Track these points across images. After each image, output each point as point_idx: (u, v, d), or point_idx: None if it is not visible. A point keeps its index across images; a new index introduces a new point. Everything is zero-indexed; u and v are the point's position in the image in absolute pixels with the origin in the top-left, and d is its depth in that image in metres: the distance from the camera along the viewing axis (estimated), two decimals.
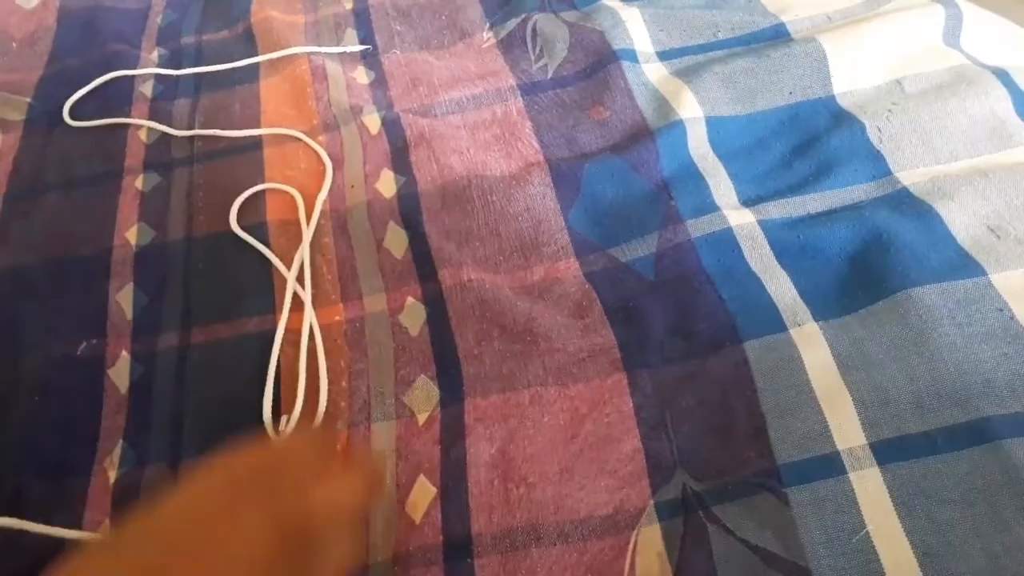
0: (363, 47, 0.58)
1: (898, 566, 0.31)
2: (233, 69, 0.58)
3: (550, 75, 0.54)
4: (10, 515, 0.38)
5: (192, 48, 0.61)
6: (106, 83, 0.57)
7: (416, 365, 0.40)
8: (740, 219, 0.43)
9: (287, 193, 0.49)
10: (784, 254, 0.41)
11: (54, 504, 0.38)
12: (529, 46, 0.56)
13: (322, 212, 0.48)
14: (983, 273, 0.38)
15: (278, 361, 0.41)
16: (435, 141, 0.50)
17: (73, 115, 0.56)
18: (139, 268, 0.47)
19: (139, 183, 0.52)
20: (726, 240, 0.42)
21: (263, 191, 0.49)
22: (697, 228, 0.43)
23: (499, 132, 0.51)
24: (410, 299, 0.43)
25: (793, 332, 0.38)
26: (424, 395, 0.39)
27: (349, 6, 0.63)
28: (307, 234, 0.46)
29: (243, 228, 0.47)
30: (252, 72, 0.58)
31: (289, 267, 0.45)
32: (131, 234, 0.49)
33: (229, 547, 0.26)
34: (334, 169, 0.50)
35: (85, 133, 0.55)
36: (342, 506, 0.29)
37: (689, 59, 0.53)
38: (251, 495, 0.27)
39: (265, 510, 0.27)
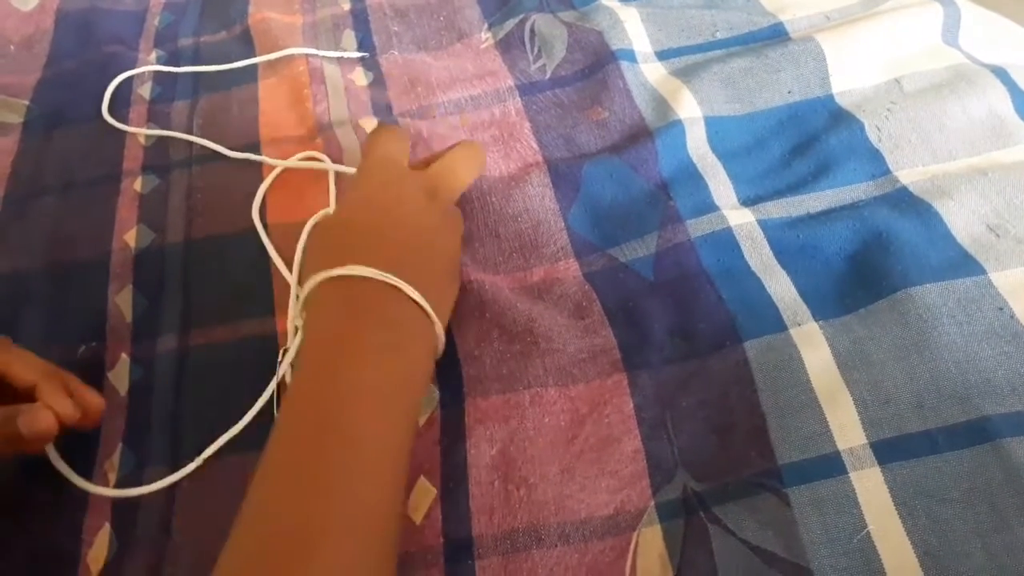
0: (361, 54, 0.58)
1: (899, 566, 0.31)
2: (231, 71, 0.58)
3: (548, 75, 0.54)
4: (9, 517, 0.38)
5: (190, 49, 0.61)
6: (103, 84, 0.57)
7: None
8: (739, 219, 0.43)
9: (287, 196, 0.49)
10: (784, 253, 0.41)
11: (54, 508, 0.38)
12: (527, 47, 0.56)
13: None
14: (983, 272, 0.38)
15: (279, 363, 0.41)
16: (433, 142, 0.50)
17: (71, 118, 0.56)
18: (138, 271, 0.47)
19: (138, 185, 0.52)
20: (726, 240, 0.42)
21: (263, 193, 0.49)
22: (696, 228, 0.43)
23: (498, 133, 0.51)
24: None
25: (793, 332, 0.38)
26: (424, 396, 0.39)
27: (347, 7, 0.63)
28: (304, 237, 0.46)
29: (242, 231, 0.47)
30: (250, 73, 0.58)
31: (290, 269, 0.45)
32: (130, 237, 0.49)
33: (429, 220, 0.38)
34: (333, 172, 0.50)
35: (83, 135, 0.55)
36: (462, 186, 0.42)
37: (687, 59, 0.53)
38: (408, 186, 0.39)
39: (428, 200, 0.39)
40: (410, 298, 0.35)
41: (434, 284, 0.37)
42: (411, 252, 0.37)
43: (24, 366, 0.37)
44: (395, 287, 0.35)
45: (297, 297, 0.43)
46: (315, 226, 0.43)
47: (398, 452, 0.32)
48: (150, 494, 0.38)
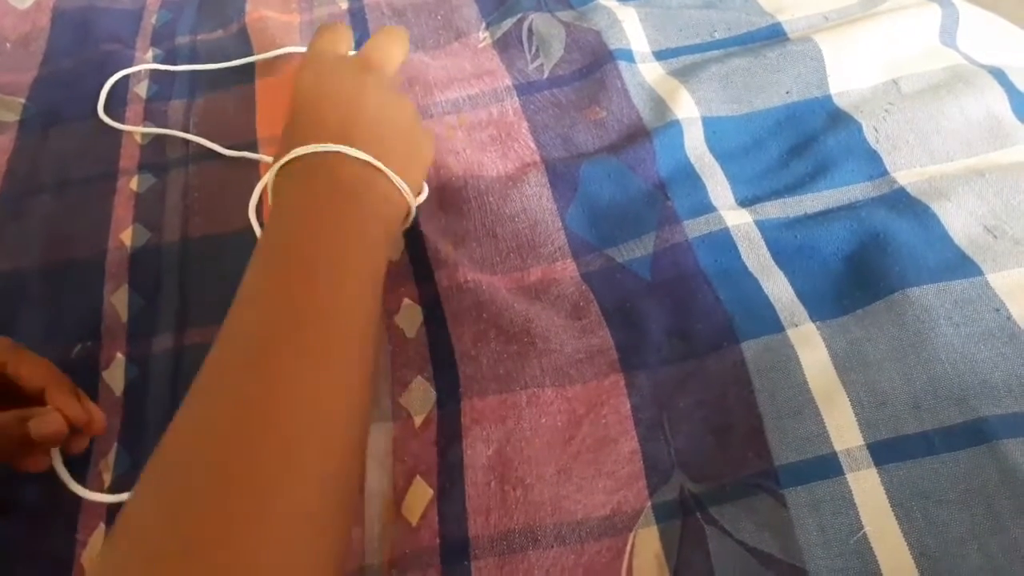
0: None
1: (895, 567, 0.31)
2: (228, 69, 0.58)
3: (546, 75, 0.53)
4: (2, 518, 0.38)
5: (187, 48, 0.61)
6: (100, 83, 0.57)
7: (412, 367, 0.40)
8: (737, 219, 0.43)
9: None
10: (781, 254, 0.41)
11: (48, 509, 0.38)
12: (525, 46, 0.56)
13: None
14: (980, 273, 0.38)
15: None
16: None
17: (67, 116, 0.56)
18: (134, 270, 0.47)
19: (134, 184, 0.51)
20: (723, 240, 0.42)
21: (260, 193, 0.49)
22: (694, 228, 0.43)
23: (495, 132, 0.51)
24: (406, 300, 0.43)
25: (790, 332, 0.38)
26: (421, 396, 0.39)
27: (344, 6, 0.62)
28: None
29: (238, 230, 0.47)
30: (247, 72, 0.58)
31: None
32: (126, 236, 0.49)
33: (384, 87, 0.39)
34: None
35: (79, 134, 0.55)
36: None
37: (686, 59, 0.53)
38: (351, 70, 0.39)
39: (370, 79, 0.39)
40: (371, 164, 0.36)
41: (395, 150, 0.37)
42: (364, 124, 0.37)
43: (33, 369, 0.37)
44: (358, 158, 0.35)
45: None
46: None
47: (364, 326, 0.32)
48: None
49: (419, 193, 0.38)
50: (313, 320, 0.30)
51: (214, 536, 0.24)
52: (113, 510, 0.38)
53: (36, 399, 0.36)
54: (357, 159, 0.35)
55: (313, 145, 0.35)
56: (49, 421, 0.35)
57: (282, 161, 0.36)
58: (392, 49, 0.42)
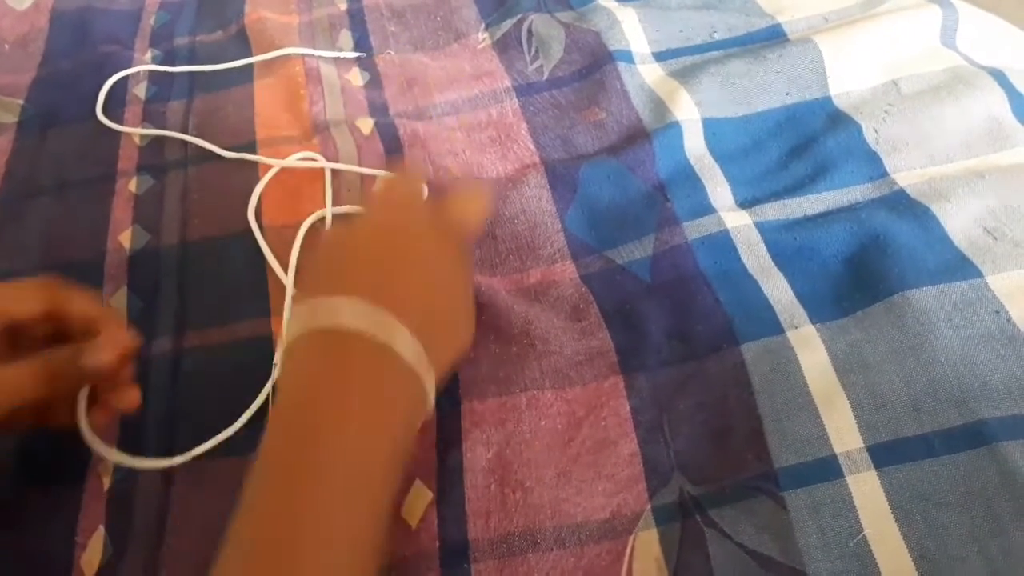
0: (357, 54, 0.58)
1: (895, 570, 0.31)
2: (227, 70, 0.58)
3: (546, 76, 0.53)
4: (4, 521, 0.38)
5: (185, 49, 0.61)
6: (98, 84, 0.57)
7: None
8: (736, 221, 0.43)
9: (283, 197, 0.49)
10: (781, 256, 0.41)
11: (47, 511, 0.38)
12: (525, 47, 0.55)
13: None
14: (979, 275, 0.38)
15: (274, 365, 0.41)
16: (430, 142, 0.50)
17: (65, 118, 0.56)
18: (133, 272, 0.47)
19: (132, 186, 0.51)
20: (723, 242, 0.42)
21: (258, 193, 0.49)
22: (694, 230, 0.43)
23: (495, 134, 0.51)
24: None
25: (790, 334, 0.38)
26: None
27: (343, 7, 0.62)
28: (300, 238, 0.46)
29: (237, 232, 0.47)
30: (246, 73, 0.58)
31: (286, 271, 0.45)
32: (124, 238, 0.48)
33: (432, 248, 0.34)
34: (330, 172, 0.49)
35: (78, 135, 0.55)
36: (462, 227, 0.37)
37: (685, 60, 0.53)
38: (414, 222, 0.35)
39: (430, 231, 0.35)
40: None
41: (437, 326, 0.33)
42: (414, 288, 0.32)
43: (84, 303, 0.37)
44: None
45: (293, 299, 0.44)
46: (317, 241, 0.38)
47: (371, 535, 0.29)
48: (145, 496, 0.38)
49: (439, 387, 0.33)
50: (312, 542, 0.27)
51: None
52: (113, 512, 0.37)
53: (83, 337, 0.36)
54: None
55: (360, 316, 0.30)
56: (102, 349, 0.35)
57: (314, 326, 0.30)
58: (476, 208, 0.38)
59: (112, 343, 0.35)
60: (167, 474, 0.38)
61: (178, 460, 0.34)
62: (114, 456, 0.38)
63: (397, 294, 0.31)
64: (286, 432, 0.29)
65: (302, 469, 0.28)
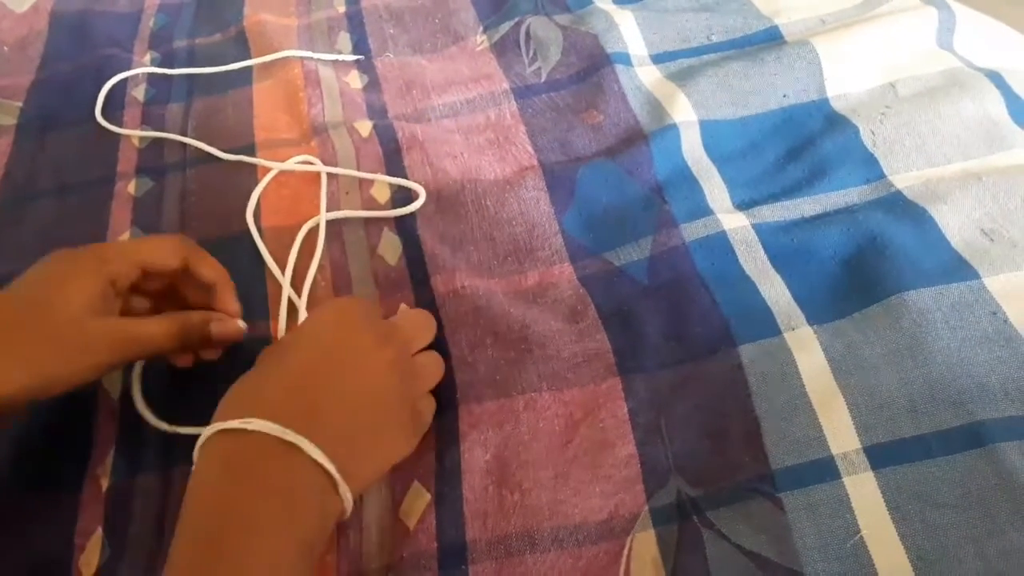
0: (356, 57, 0.58)
1: (892, 571, 0.31)
2: (226, 73, 0.58)
3: (544, 79, 0.54)
4: (2, 524, 0.38)
5: (185, 52, 0.61)
6: (97, 87, 0.57)
7: None
8: (734, 223, 0.43)
9: (281, 199, 0.49)
10: (778, 257, 0.41)
11: (46, 513, 0.38)
12: (523, 49, 0.56)
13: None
14: (976, 276, 0.38)
15: None
16: (428, 145, 0.50)
17: (64, 120, 0.56)
18: None
19: (132, 188, 0.51)
20: (720, 244, 0.42)
21: (257, 195, 0.49)
22: (691, 232, 0.43)
23: (493, 136, 0.51)
24: (403, 306, 0.43)
25: (787, 336, 0.38)
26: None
27: (342, 9, 0.63)
28: (299, 241, 0.46)
29: (236, 234, 0.47)
30: (245, 76, 0.58)
31: (284, 273, 0.45)
32: (124, 239, 0.48)
33: (365, 365, 0.34)
34: (328, 175, 0.50)
35: (77, 138, 0.55)
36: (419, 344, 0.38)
37: (683, 62, 0.53)
38: (364, 330, 0.35)
39: (380, 343, 0.35)
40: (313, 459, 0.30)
41: (358, 437, 0.33)
42: (330, 404, 0.32)
43: (214, 266, 0.40)
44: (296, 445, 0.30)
45: (289, 299, 0.44)
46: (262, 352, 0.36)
47: None
48: (143, 498, 0.38)
49: (361, 492, 0.34)
50: None
51: None
52: (111, 514, 0.37)
53: (197, 300, 0.40)
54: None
55: (268, 424, 0.30)
56: (231, 324, 0.40)
57: (222, 426, 0.31)
58: (424, 328, 0.39)
59: (235, 321, 0.40)
60: (165, 475, 0.38)
61: (209, 430, 0.32)
62: (161, 425, 0.39)
63: (310, 412, 0.32)
64: (193, 539, 0.29)
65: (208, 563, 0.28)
